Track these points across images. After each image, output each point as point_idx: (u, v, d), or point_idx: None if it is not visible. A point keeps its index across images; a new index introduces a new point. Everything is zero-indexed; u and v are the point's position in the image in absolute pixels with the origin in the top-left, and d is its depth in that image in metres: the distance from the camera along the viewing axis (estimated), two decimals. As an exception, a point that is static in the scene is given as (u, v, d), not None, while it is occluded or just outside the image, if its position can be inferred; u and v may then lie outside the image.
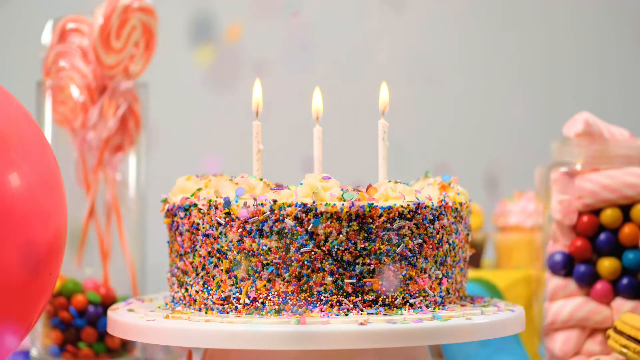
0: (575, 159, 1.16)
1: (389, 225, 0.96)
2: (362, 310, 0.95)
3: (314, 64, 1.96)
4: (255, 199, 0.96)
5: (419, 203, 0.97)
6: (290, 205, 0.95)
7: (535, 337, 1.22)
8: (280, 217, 0.95)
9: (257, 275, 0.96)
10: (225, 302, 0.98)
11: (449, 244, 1.00)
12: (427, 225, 0.98)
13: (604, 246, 1.14)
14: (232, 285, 0.97)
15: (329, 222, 0.95)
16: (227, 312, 0.97)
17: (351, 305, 0.96)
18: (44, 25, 1.22)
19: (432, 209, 0.98)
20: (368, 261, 0.96)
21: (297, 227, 0.95)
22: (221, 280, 0.98)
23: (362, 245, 0.95)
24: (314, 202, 0.95)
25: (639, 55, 2.06)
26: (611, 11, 2.05)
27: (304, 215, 0.95)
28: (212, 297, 0.98)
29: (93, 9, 1.19)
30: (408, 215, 0.97)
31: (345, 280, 0.95)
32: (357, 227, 0.95)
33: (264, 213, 0.95)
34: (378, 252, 0.96)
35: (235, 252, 0.97)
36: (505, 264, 1.44)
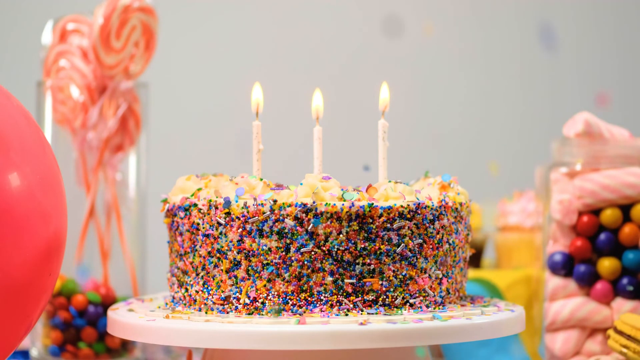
0: (575, 159, 1.16)
1: (389, 225, 0.96)
2: (362, 310, 0.95)
3: (314, 64, 1.96)
4: (255, 199, 0.96)
5: (419, 203, 0.97)
6: (290, 205, 0.95)
7: (535, 337, 1.22)
8: (280, 217, 0.95)
9: (257, 275, 0.96)
10: (225, 302, 0.98)
11: (449, 244, 1.00)
12: (427, 225, 0.98)
13: (604, 246, 1.14)
14: (232, 285, 0.97)
15: (329, 222, 0.95)
16: (227, 312, 0.97)
17: (351, 305, 0.96)
18: (44, 25, 1.23)
19: (432, 209, 0.98)
20: (368, 261, 0.96)
21: (297, 227, 0.95)
22: (221, 280, 0.98)
23: (362, 245, 0.95)
24: (314, 202, 0.95)
25: (639, 55, 2.06)
26: (612, 11, 2.05)
27: (304, 215, 0.95)
28: (212, 297, 0.98)
29: (93, 9, 1.19)
30: (408, 215, 0.97)
31: (345, 280, 0.95)
32: (357, 227, 0.95)
33: (264, 213, 0.95)
34: (378, 252, 0.96)
35: (235, 252, 0.97)
36: (505, 264, 1.44)
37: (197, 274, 0.99)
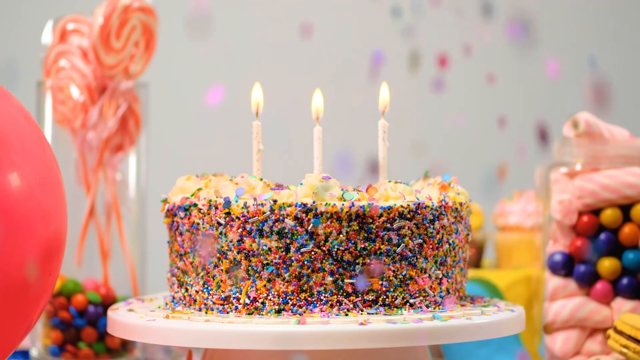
0: (575, 159, 1.16)
1: (389, 225, 0.96)
2: (362, 310, 0.95)
3: (314, 64, 1.96)
4: (255, 199, 0.96)
5: (419, 203, 0.97)
6: (290, 205, 0.95)
7: (535, 337, 1.22)
8: (280, 217, 0.95)
9: (257, 275, 0.96)
10: (225, 302, 0.98)
11: (449, 244, 1.00)
12: (427, 225, 0.98)
13: (604, 246, 1.14)
14: (232, 285, 0.97)
15: (329, 222, 0.95)
16: (227, 312, 0.97)
17: (351, 305, 0.96)
18: (44, 25, 1.22)
19: (432, 209, 0.98)
20: (368, 261, 0.96)
21: (297, 227, 0.95)
22: (221, 280, 0.98)
23: (362, 245, 0.95)
24: (314, 202, 0.95)
25: (639, 55, 2.06)
26: (612, 10, 2.05)
27: (304, 215, 0.95)
28: (212, 297, 0.98)
29: (93, 9, 1.19)
30: (408, 215, 0.97)
31: (345, 280, 0.95)
32: (357, 227, 0.95)
33: (264, 213, 0.95)
34: (378, 252, 0.96)
35: (235, 252, 0.97)
36: (505, 264, 1.44)
37: (197, 274, 0.99)
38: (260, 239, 0.96)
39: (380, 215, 0.96)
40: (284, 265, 0.95)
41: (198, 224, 0.99)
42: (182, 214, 1.00)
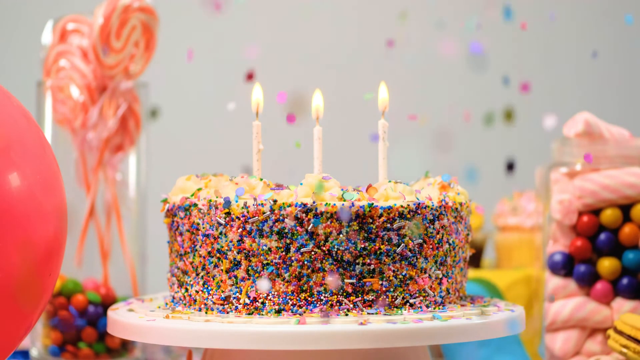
0: (575, 159, 1.16)
1: (389, 225, 0.96)
2: (362, 310, 0.95)
3: (314, 64, 1.96)
4: (255, 199, 0.96)
5: (419, 203, 0.97)
6: (290, 205, 0.95)
7: (535, 337, 1.22)
8: (280, 217, 0.95)
9: (257, 275, 0.96)
10: (225, 302, 0.98)
11: (449, 244, 1.00)
12: (427, 225, 0.98)
13: (604, 246, 1.14)
14: (232, 285, 0.97)
15: (329, 222, 0.95)
16: (227, 312, 0.98)
17: (351, 305, 0.96)
18: (44, 25, 1.23)
19: (432, 209, 0.98)
20: (368, 261, 0.96)
21: (297, 227, 0.95)
22: (221, 280, 0.98)
23: (362, 245, 0.95)
24: (314, 202, 0.95)
25: (639, 55, 2.06)
26: (612, 10, 2.05)
27: (304, 215, 0.95)
28: (212, 297, 0.98)
29: (93, 9, 1.19)
30: (408, 215, 0.97)
31: (345, 280, 0.95)
32: (357, 227, 0.95)
33: (264, 213, 0.95)
34: (378, 252, 0.96)
35: (235, 252, 0.97)
36: (505, 264, 1.44)
37: (197, 274, 0.99)
38: (260, 239, 0.96)
39: (380, 215, 0.96)
40: (284, 265, 0.95)
41: (198, 224, 0.99)
42: (182, 214, 1.00)
